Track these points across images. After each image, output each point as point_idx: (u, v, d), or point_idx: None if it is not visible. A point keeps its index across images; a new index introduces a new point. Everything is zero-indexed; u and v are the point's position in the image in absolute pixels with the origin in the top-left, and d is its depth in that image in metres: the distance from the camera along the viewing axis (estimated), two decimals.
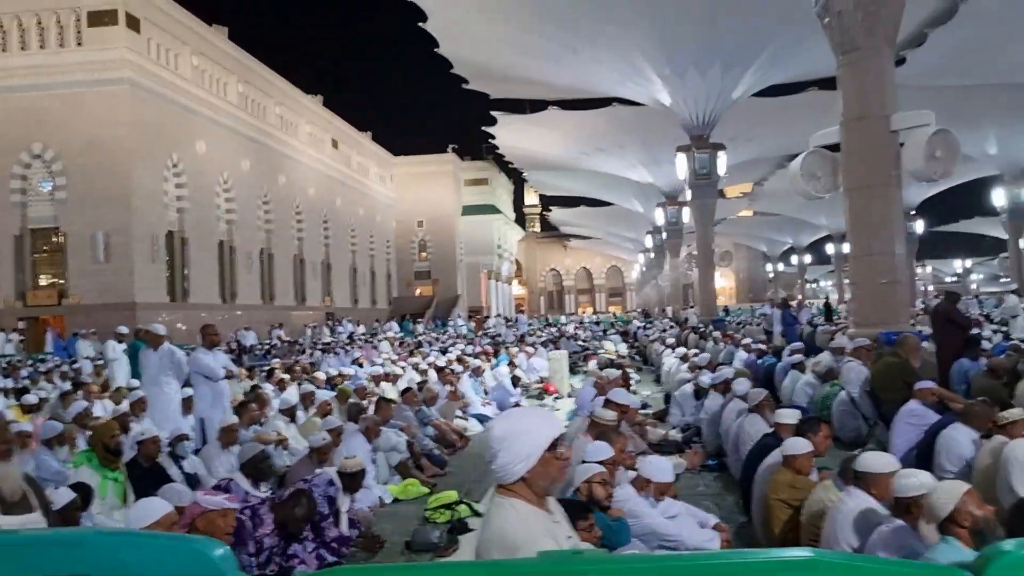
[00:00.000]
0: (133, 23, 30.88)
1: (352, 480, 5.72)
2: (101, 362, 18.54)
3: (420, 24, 26.48)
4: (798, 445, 4.64)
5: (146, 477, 6.49)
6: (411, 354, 18.87)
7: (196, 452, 7.55)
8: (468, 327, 34.00)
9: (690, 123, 27.60)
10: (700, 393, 9.77)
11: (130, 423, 8.42)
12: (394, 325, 35.29)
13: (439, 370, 12.52)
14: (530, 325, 35.12)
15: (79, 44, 30.54)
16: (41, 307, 30.78)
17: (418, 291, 62.13)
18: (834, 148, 12.71)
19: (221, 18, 46.53)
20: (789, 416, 5.58)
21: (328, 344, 24.56)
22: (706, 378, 9.81)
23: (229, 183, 37.78)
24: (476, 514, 6.54)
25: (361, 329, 33.77)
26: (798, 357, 10.53)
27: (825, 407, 8.50)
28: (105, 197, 29.97)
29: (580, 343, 25.15)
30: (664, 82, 26.56)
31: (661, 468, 4.56)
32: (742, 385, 7.70)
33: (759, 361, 12.62)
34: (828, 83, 30.86)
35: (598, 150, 40.15)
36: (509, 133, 39.97)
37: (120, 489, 5.98)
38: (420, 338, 27.74)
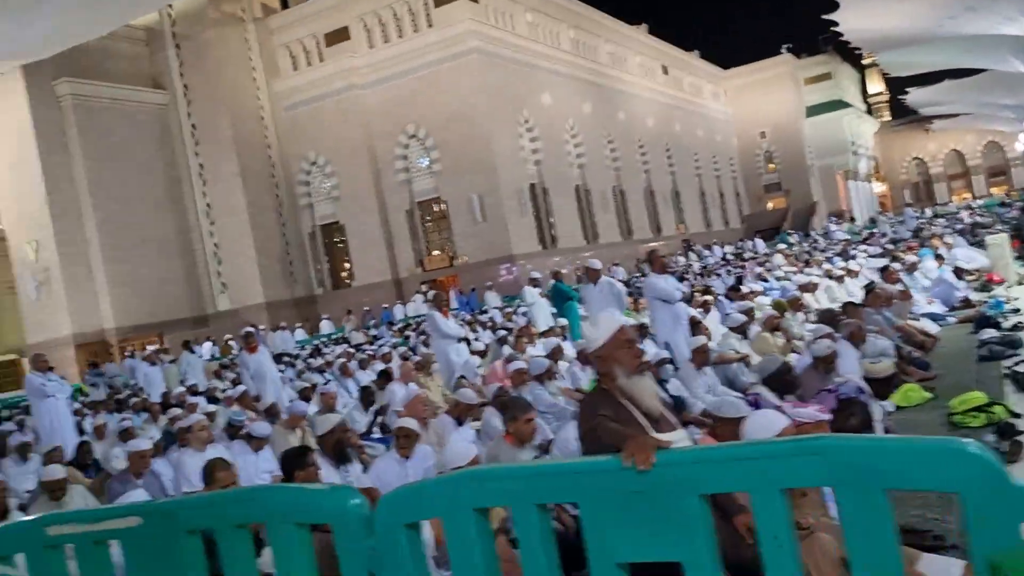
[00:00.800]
0: None
1: (882, 385, 5.28)
2: (509, 309, 20.09)
3: None
4: None
5: None
6: (807, 264, 17.88)
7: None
8: (849, 230, 31.70)
9: None
10: None
11: None
12: (760, 242, 34.07)
13: (883, 271, 11.56)
14: (917, 219, 31.80)
15: (430, 26, 33.11)
16: (437, 270, 34.30)
17: (770, 204, 59.53)
18: None
19: None
20: None
21: (705, 267, 24.34)
22: None
23: (575, 129, 38.90)
24: (1014, 414, 5.75)
25: (728, 249, 33.17)
26: None
27: None
28: (473, 162, 32.37)
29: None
30: None
31: None
32: None
33: None
34: None
35: (967, 9, 34.71)
36: (853, 16, 36.04)
37: None
38: (795, 248, 26.36)
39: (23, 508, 6.05)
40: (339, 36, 34.88)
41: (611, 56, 44.53)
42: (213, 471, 4.58)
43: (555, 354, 8.34)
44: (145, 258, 31.68)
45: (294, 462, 4.74)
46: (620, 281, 25.28)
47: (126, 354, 22.92)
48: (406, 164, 34.34)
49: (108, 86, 31.69)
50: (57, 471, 5.88)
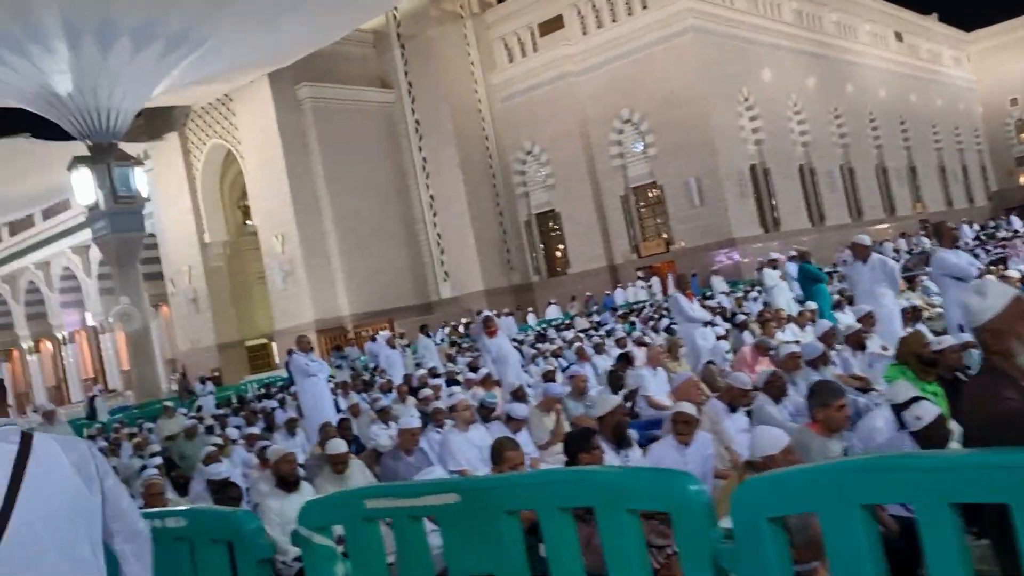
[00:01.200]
0: None
1: None
2: (738, 294, 19.20)
3: None
4: None
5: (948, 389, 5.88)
6: None
7: None
8: None
9: None
10: None
11: (864, 339, 8.01)
12: (1016, 220, 30.47)
13: None
14: None
15: (644, 8, 32.43)
16: (652, 256, 33.65)
17: (1023, 179, 53.37)
18: None
19: None
20: None
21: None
22: None
23: (798, 105, 36.77)
24: None
25: (976, 228, 30.01)
26: None
27: None
28: (690, 144, 31.37)
29: None
30: None
31: None
32: None
33: None
34: None
35: None
36: None
37: (942, 403, 5.41)
38: None
39: (308, 480, 6.31)
40: (553, 25, 35.04)
41: (837, 25, 41.66)
42: (502, 451, 4.46)
43: (828, 338, 7.65)
44: (376, 248, 33.56)
45: (580, 444, 4.52)
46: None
47: (371, 337, 24.35)
48: (620, 149, 33.94)
49: (341, 88, 33.82)
50: (341, 445, 6.08)
